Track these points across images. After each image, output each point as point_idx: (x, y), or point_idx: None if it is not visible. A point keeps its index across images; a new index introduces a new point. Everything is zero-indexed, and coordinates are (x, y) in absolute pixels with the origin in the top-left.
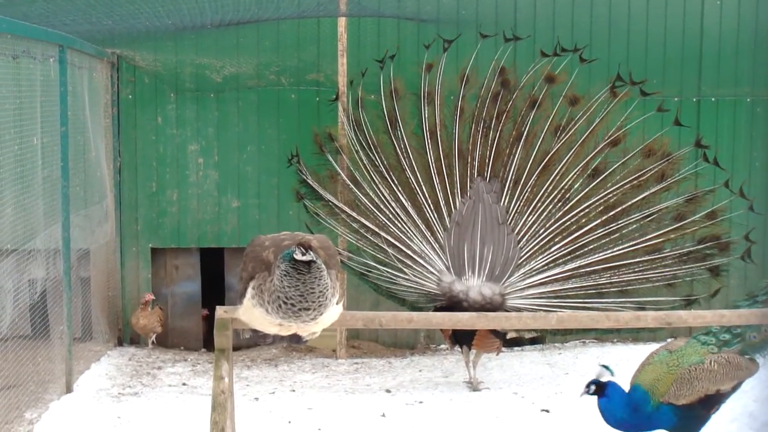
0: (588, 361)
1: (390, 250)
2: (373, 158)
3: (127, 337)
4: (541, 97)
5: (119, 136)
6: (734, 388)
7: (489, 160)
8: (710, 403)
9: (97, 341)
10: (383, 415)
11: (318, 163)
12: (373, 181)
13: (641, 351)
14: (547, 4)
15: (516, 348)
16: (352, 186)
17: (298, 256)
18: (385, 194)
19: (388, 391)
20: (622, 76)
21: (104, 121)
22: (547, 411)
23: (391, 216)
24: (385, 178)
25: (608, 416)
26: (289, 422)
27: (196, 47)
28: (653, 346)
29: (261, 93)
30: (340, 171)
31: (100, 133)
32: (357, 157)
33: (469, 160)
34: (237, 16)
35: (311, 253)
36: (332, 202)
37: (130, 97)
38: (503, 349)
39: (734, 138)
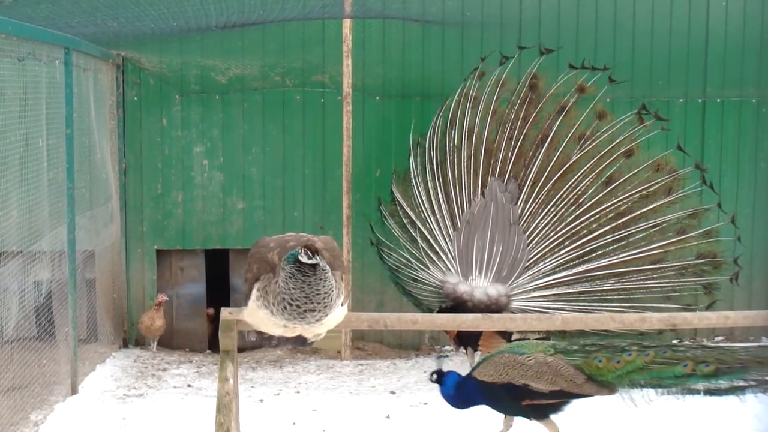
0: None
1: (424, 245)
2: (432, 155)
3: (132, 338)
4: (571, 106)
5: (124, 137)
6: (555, 394)
7: (510, 161)
8: (517, 393)
9: (102, 343)
10: (388, 417)
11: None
12: (425, 176)
13: None
14: (551, 5)
15: None
16: (411, 180)
17: (304, 259)
18: (430, 189)
19: (392, 392)
20: (633, 85)
21: (109, 123)
22: None
23: (429, 211)
24: (434, 173)
25: (446, 398)
26: (294, 423)
27: (201, 49)
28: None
29: (266, 94)
30: (412, 169)
31: (106, 134)
32: (423, 156)
33: (492, 161)
34: (242, 18)
35: (317, 256)
36: (397, 199)
37: (136, 98)
38: None
39: (740, 139)
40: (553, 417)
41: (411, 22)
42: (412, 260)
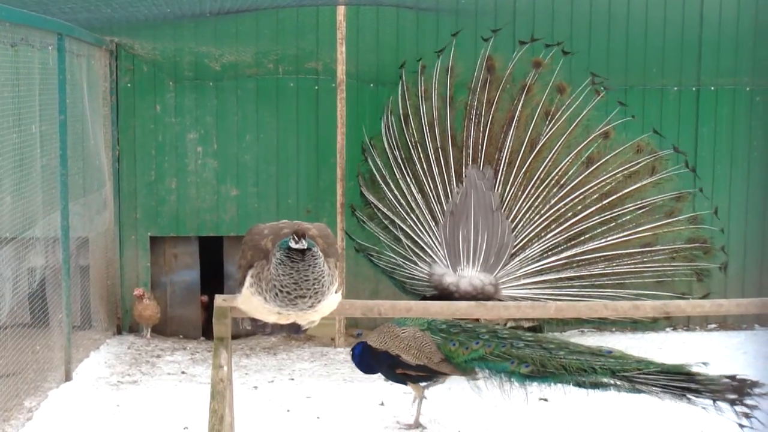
0: None
1: (408, 242)
2: (396, 155)
3: (126, 325)
4: (532, 82)
5: (118, 124)
6: (420, 368)
7: (482, 147)
8: (391, 362)
9: (96, 330)
10: (382, 404)
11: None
12: (394, 175)
13: (640, 340)
14: None
15: None
16: (380, 182)
17: (293, 244)
18: (402, 187)
19: (386, 379)
20: (627, 72)
21: (103, 110)
22: (546, 400)
23: (407, 208)
24: (402, 171)
25: (356, 364)
26: (288, 411)
27: (195, 35)
28: (652, 335)
29: (260, 81)
30: (375, 171)
31: (99, 121)
32: (386, 156)
33: (463, 149)
34: (236, 5)
35: (304, 241)
36: (372, 202)
37: (129, 85)
38: None
39: (733, 127)
40: (429, 388)
41: (405, 9)
42: (399, 258)
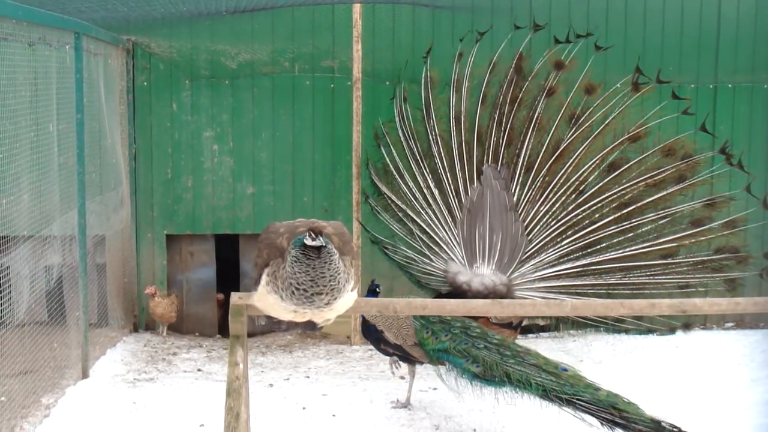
0: (602, 347)
1: (423, 237)
2: (412, 146)
3: (142, 323)
4: (554, 84)
5: (134, 122)
6: (397, 347)
7: (502, 146)
8: (377, 336)
9: (112, 327)
10: (398, 401)
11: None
12: (410, 168)
13: (655, 340)
14: None
15: (530, 335)
16: (393, 173)
17: (308, 242)
18: (419, 180)
19: (402, 377)
20: (642, 69)
21: (119, 108)
22: None
23: (422, 203)
24: (420, 165)
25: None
26: (304, 408)
27: (211, 34)
28: (667, 336)
29: (276, 79)
30: (389, 161)
31: (116, 119)
32: (402, 147)
33: (485, 147)
34: (252, 3)
35: (320, 238)
36: (386, 194)
37: (145, 83)
38: (518, 336)
39: (751, 125)
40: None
41: (421, 7)
42: (412, 252)
